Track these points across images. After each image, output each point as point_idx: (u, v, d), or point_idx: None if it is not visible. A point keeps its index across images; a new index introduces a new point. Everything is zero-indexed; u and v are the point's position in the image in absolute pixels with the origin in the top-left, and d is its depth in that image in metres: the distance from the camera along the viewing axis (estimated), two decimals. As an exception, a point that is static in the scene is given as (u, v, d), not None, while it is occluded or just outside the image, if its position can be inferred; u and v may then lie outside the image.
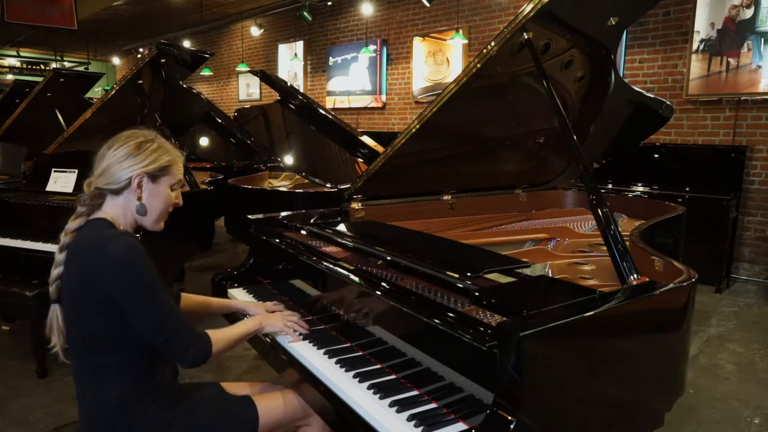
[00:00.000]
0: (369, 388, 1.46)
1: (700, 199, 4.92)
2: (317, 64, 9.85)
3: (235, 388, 1.73)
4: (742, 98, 5.16)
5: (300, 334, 1.76)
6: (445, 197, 2.76)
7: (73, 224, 1.47)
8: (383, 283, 1.63)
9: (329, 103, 9.44)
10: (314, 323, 1.88)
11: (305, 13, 8.63)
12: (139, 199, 1.49)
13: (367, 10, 8.39)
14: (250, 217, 2.41)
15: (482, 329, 1.28)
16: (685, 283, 1.57)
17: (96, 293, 1.37)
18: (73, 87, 5.43)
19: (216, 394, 1.65)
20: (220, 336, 1.53)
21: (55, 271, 1.45)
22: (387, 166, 2.33)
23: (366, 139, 4.44)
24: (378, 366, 1.58)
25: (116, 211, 1.50)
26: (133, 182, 1.47)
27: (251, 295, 2.21)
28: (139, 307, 1.37)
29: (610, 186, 5.42)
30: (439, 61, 7.80)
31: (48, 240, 3.17)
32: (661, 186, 5.27)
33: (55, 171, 3.51)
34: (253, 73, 4.82)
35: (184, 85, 4.50)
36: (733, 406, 2.95)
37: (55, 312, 1.47)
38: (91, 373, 1.43)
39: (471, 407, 1.32)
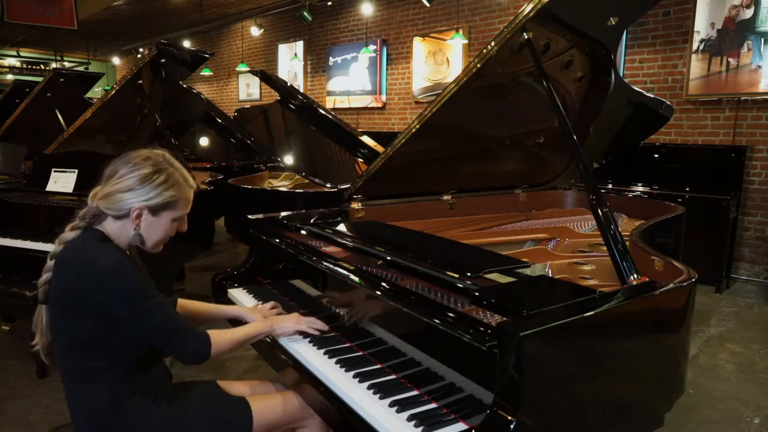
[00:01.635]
0: (369, 388, 1.46)
1: (700, 199, 4.92)
2: (317, 64, 9.85)
3: (233, 387, 1.73)
4: (742, 98, 5.16)
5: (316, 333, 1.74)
6: (445, 197, 2.76)
7: (68, 235, 1.48)
8: (383, 283, 1.63)
9: (329, 103, 9.44)
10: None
11: (305, 13, 8.63)
12: (136, 229, 1.47)
13: (367, 10, 8.39)
14: (250, 217, 2.41)
15: (482, 329, 1.28)
16: (685, 283, 1.56)
17: (82, 304, 1.38)
18: (73, 87, 5.42)
19: (210, 394, 1.65)
20: (222, 337, 1.53)
21: (45, 276, 1.47)
22: (387, 166, 2.33)
23: (366, 139, 4.43)
24: (378, 366, 1.58)
25: (114, 230, 1.50)
26: (132, 214, 1.45)
27: (251, 295, 2.21)
28: (134, 315, 1.39)
29: (610, 186, 5.42)
30: (439, 61, 7.80)
31: (48, 240, 3.16)
32: (661, 186, 5.27)
33: (55, 171, 3.51)
34: (253, 73, 4.82)
35: (184, 85, 4.50)
36: (733, 406, 2.95)
37: (41, 312, 1.49)
38: (77, 376, 1.45)
39: (471, 407, 1.32)
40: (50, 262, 1.46)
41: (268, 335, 1.72)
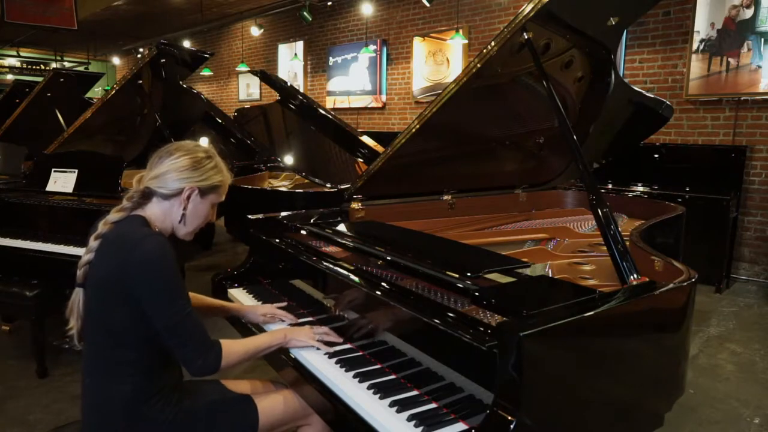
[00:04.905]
0: (369, 388, 1.46)
1: (700, 199, 4.93)
2: (317, 64, 9.85)
3: (236, 387, 1.73)
4: (742, 98, 5.16)
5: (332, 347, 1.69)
6: (445, 197, 2.76)
7: (114, 216, 1.51)
8: (383, 283, 1.63)
9: (329, 103, 9.44)
10: (314, 323, 1.88)
11: (305, 13, 8.63)
12: (185, 209, 1.55)
13: (367, 10, 8.39)
14: (250, 217, 2.41)
15: (482, 329, 1.28)
16: (685, 283, 1.57)
17: (122, 287, 1.40)
18: (73, 87, 5.42)
19: (217, 394, 1.66)
20: (234, 348, 1.52)
21: (86, 257, 1.49)
22: (387, 166, 2.33)
23: (366, 139, 4.43)
24: (378, 366, 1.58)
25: (157, 213, 1.55)
26: (184, 193, 1.54)
27: (251, 295, 2.21)
28: (159, 306, 1.40)
29: (610, 186, 5.42)
30: (439, 61, 7.80)
31: (48, 240, 3.16)
32: (661, 186, 5.27)
33: (55, 171, 3.51)
34: (253, 73, 4.82)
35: (184, 85, 4.49)
36: (733, 406, 2.95)
37: (78, 296, 1.51)
38: (104, 366, 1.46)
39: (471, 407, 1.32)
40: (94, 243, 1.48)
41: (283, 346, 1.69)
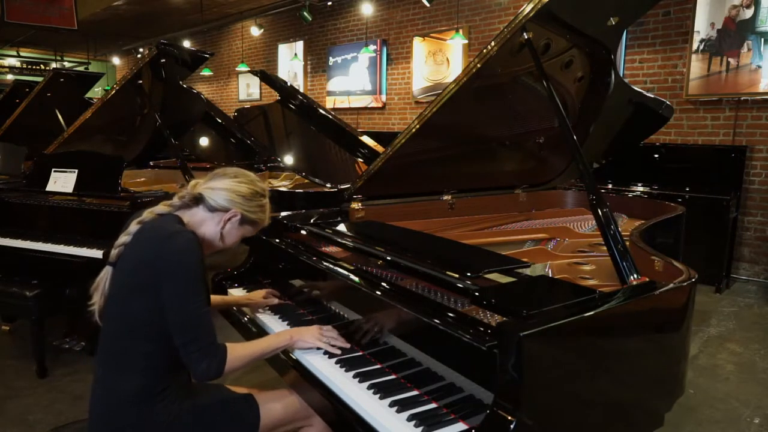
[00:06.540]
0: (369, 388, 1.46)
1: (700, 199, 4.92)
2: (317, 64, 9.85)
3: (236, 388, 1.74)
4: (742, 98, 5.16)
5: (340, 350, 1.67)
6: (445, 197, 2.76)
7: (161, 208, 1.58)
8: (383, 283, 1.63)
9: (329, 103, 9.44)
10: (314, 323, 1.88)
11: (305, 13, 8.63)
12: (222, 228, 1.64)
13: (367, 10, 8.39)
14: (250, 217, 2.41)
15: (482, 329, 1.28)
16: (685, 283, 1.57)
17: (147, 274, 1.44)
18: (73, 87, 5.42)
19: (219, 394, 1.66)
20: (239, 353, 1.52)
21: (123, 238, 1.54)
22: (387, 166, 2.33)
23: (366, 139, 4.43)
24: (378, 366, 1.58)
25: (196, 220, 1.61)
26: (228, 214, 1.62)
27: (251, 295, 2.21)
28: (175, 299, 1.43)
29: (610, 186, 5.42)
30: (439, 61, 7.80)
31: (48, 240, 3.16)
32: (661, 186, 5.27)
33: (55, 171, 3.50)
34: (253, 73, 4.82)
35: (184, 85, 4.49)
36: (733, 406, 2.95)
37: (106, 274, 1.56)
38: (118, 358, 1.48)
39: (471, 407, 1.32)
40: (134, 227, 1.53)
41: (289, 348, 1.68)
